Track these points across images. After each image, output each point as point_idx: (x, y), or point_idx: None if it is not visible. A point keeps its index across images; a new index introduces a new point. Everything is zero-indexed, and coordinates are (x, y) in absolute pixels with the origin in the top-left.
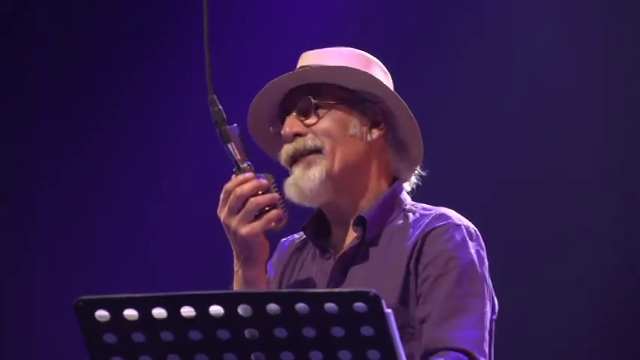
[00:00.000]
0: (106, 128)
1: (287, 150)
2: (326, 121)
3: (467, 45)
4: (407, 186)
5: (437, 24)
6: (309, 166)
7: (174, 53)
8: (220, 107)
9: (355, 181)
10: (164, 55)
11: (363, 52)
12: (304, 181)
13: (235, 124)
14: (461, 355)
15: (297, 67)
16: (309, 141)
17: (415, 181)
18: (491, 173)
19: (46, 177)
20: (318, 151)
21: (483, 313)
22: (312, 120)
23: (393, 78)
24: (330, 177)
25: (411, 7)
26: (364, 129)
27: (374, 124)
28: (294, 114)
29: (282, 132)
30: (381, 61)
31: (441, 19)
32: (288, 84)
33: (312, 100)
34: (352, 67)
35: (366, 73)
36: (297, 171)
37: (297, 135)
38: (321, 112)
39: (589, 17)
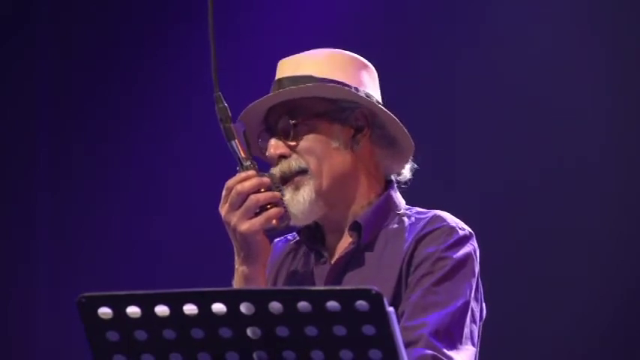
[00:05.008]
0: (106, 128)
1: (275, 172)
2: (308, 140)
3: (467, 44)
4: (402, 177)
5: (437, 24)
6: (297, 188)
7: (175, 53)
8: (225, 105)
9: (346, 191)
10: (165, 55)
11: (337, 50)
12: (294, 206)
13: (240, 122)
14: (421, 350)
15: (276, 77)
16: (294, 162)
17: (409, 175)
18: (490, 173)
19: (47, 177)
20: (304, 171)
21: (461, 311)
22: (293, 140)
23: (393, 77)
24: (320, 195)
25: (411, 7)
26: (348, 138)
27: (357, 131)
28: (276, 136)
29: (267, 154)
30: (381, 60)
31: (441, 19)
32: (265, 105)
33: (291, 121)
34: (324, 74)
35: (335, 87)
36: (287, 194)
37: (282, 157)
38: (301, 131)
39: (589, 16)
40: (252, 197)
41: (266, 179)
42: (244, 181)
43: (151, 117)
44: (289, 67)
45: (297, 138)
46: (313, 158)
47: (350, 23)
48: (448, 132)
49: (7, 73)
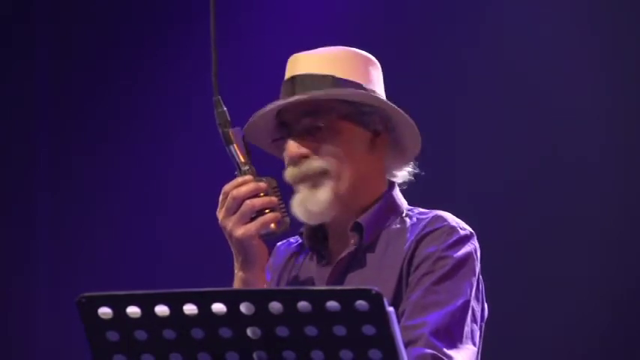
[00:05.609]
0: (106, 128)
1: (293, 172)
2: (331, 142)
3: (467, 44)
4: (400, 178)
5: (437, 24)
6: (315, 187)
7: (175, 53)
8: (224, 109)
9: (359, 194)
10: (165, 55)
11: (352, 49)
12: (312, 204)
13: (239, 127)
14: (420, 350)
15: (288, 73)
16: (315, 163)
17: (408, 175)
18: (490, 173)
19: (47, 177)
20: (324, 172)
21: (461, 310)
22: (317, 141)
23: (392, 77)
24: (337, 197)
25: (411, 7)
26: (367, 142)
27: (375, 134)
28: (297, 135)
29: (286, 153)
30: (381, 60)
31: (441, 19)
32: (288, 103)
33: (316, 122)
34: (344, 74)
35: (363, 93)
36: (303, 191)
37: (303, 157)
38: (325, 132)
39: (589, 16)
40: (248, 202)
41: (263, 184)
42: (240, 186)
43: (151, 117)
44: (306, 64)
45: (321, 139)
46: (335, 160)
47: (350, 23)
48: (448, 132)
49: (7, 73)
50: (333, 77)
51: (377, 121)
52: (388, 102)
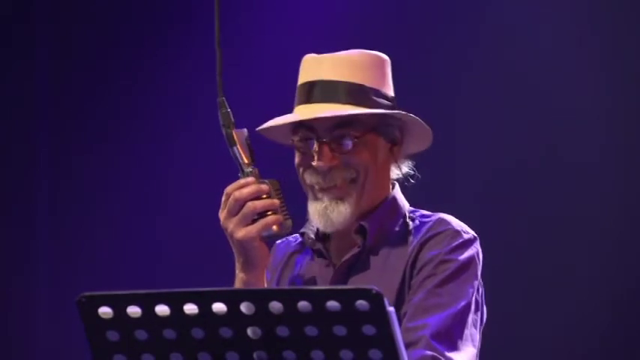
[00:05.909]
0: (106, 128)
1: (321, 181)
2: (359, 154)
3: (467, 44)
4: (397, 175)
5: (437, 24)
6: (341, 198)
7: (175, 53)
8: (228, 110)
9: (373, 202)
10: (165, 55)
11: (366, 52)
12: (336, 214)
13: (244, 128)
14: (421, 351)
15: (306, 77)
16: (345, 175)
17: (405, 171)
18: (490, 174)
19: (46, 176)
20: (352, 183)
21: (463, 313)
22: (346, 153)
23: (392, 76)
24: (357, 206)
25: (411, 7)
26: (387, 151)
27: (393, 144)
28: (327, 144)
29: (315, 164)
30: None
31: (441, 19)
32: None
33: (347, 134)
34: (373, 83)
35: (410, 116)
36: (326, 201)
37: (333, 167)
38: (356, 142)
39: (589, 16)
40: (250, 204)
41: (265, 186)
42: (243, 187)
43: (151, 117)
44: (326, 69)
45: (351, 151)
46: (363, 172)
47: (350, 23)
48: (448, 132)
49: (7, 73)
50: (355, 85)
51: (396, 132)
52: (416, 117)
